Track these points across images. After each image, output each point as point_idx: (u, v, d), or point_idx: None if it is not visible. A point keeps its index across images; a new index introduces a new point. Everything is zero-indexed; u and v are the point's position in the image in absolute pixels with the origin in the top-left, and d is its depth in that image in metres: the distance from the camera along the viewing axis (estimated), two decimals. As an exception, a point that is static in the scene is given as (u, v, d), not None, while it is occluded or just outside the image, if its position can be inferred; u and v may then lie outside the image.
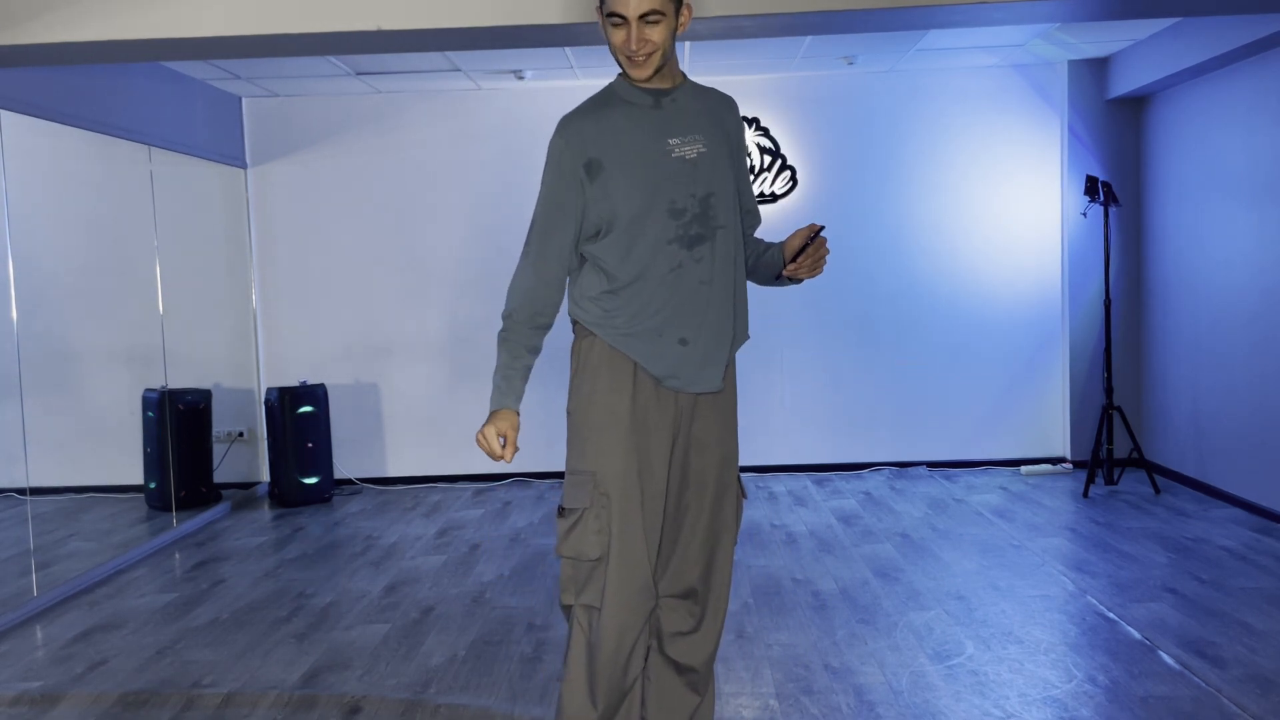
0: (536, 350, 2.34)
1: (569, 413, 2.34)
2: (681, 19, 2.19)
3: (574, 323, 2.34)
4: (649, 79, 2.21)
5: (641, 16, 2.11)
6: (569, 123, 2.28)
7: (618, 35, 2.16)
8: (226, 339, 6.26)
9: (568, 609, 2.29)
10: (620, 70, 2.25)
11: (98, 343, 5.46)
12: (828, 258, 2.25)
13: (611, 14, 2.14)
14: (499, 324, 2.34)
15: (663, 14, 2.13)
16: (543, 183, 2.32)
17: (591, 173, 2.24)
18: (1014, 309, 6.33)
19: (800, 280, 2.28)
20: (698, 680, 2.38)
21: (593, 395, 2.27)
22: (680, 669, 2.36)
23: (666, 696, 2.37)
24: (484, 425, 2.31)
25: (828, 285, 6.35)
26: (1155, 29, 5.35)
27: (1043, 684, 3.09)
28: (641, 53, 2.15)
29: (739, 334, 2.34)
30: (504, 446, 2.31)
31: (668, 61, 2.23)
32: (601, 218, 2.24)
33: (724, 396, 2.34)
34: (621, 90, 2.27)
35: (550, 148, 2.31)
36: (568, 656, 2.29)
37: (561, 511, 2.28)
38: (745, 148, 2.42)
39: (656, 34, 2.14)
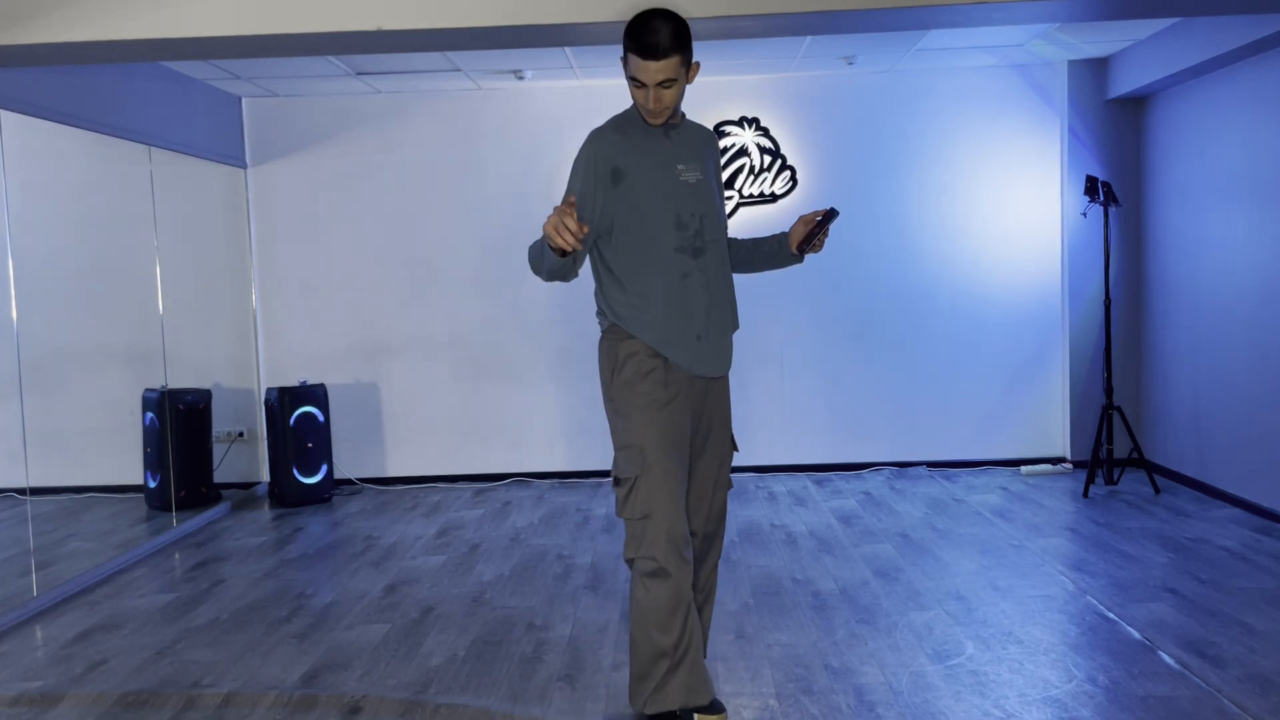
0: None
1: (611, 399, 2.79)
2: (690, 76, 2.65)
3: (608, 326, 2.80)
4: (663, 121, 2.71)
5: (659, 83, 2.58)
6: (600, 135, 2.72)
7: (638, 94, 2.61)
8: (226, 339, 6.26)
9: (630, 562, 2.73)
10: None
11: (98, 343, 5.46)
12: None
13: (633, 78, 2.59)
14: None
15: (675, 79, 2.59)
16: (573, 178, 2.71)
17: (615, 179, 2.68)
18: (1014, 309, 6.33)
19: (802, 257, 2.88)
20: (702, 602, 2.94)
21: (632, 383, 2.73)
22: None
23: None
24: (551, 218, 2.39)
25: (828, 285, 6.36)
26: (1155, 29, 5.35)
27: (1043, 684, 3.09)
28: (658, 110, 2.64)
29: (733, 326, 2.86)
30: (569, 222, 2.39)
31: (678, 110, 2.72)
32: (619, 218, 2.69)
33: (726, 376, 2.90)
34: (636, 117, 2.74)
35: (581, 153, 2.71)
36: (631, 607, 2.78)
37: (617, 481, 2.74)
38: (721, 174, 2.96)
39: (670, 96, 2.62)
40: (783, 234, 2.93)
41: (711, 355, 2.78)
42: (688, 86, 2.70)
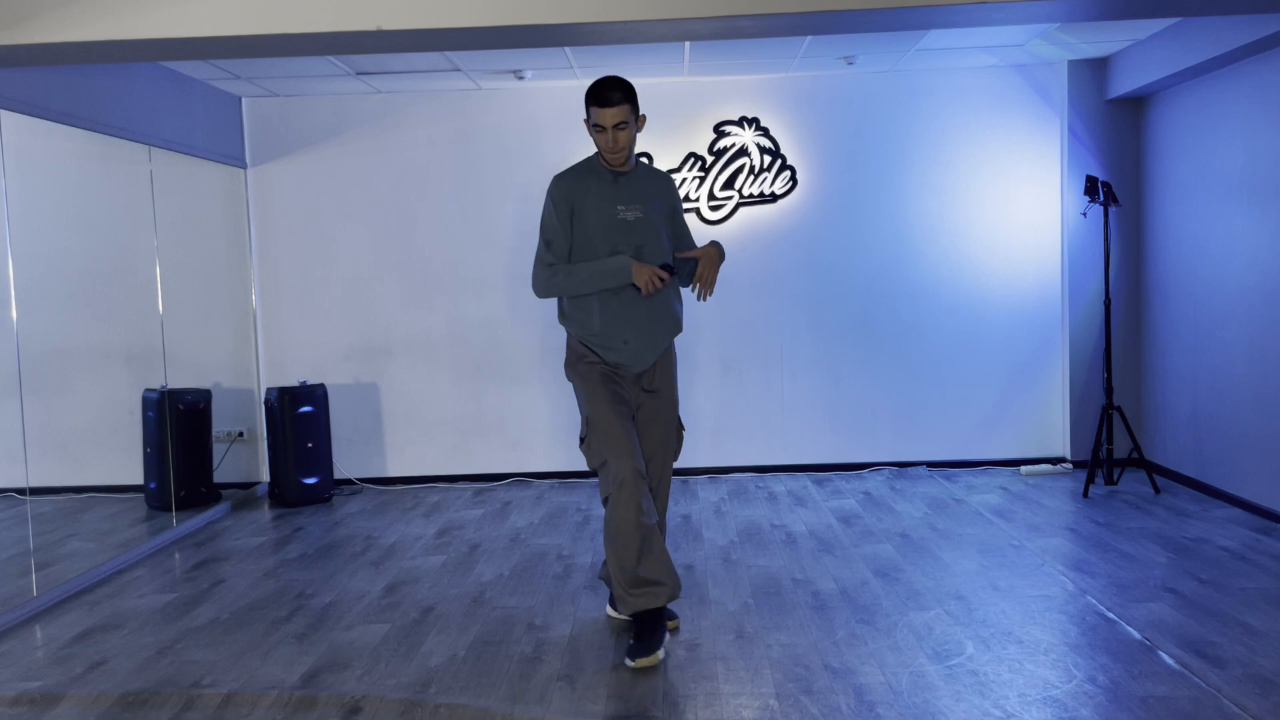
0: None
1: (569, 379, 3.58)
2: (639, 125, 3.40)
3: (569, 329, 3.58)
4: (621, 165, 3.43)
5: (615, 125, 3.32)
6: (560, 179, 3.48)
7: (600, 138, 3.35)
8: (226, 339, 6.26)
9: (605, 499, 3.41)
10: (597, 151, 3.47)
11: (98, 343, 5.46)
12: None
13: (595, 124, 3.34)
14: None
15: (628, 122, 3.34)
16: (545, 213, 3.48)
17: (573, 215, 3.43)
18: (1014, 309, 6.33)
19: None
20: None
21: (581, 368, 3.51)
22: None
23: None
24: (640, 275, 3.35)
25: (828, 285, 6.36)
26: (1155, 29, 5.35)
27: (1043, 684, 3.09)
28: (616, 150, 3.36)
29: (669, 331, 3.55)
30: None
31: (631, 153, 3.44)
32: (573, 247, 3.44)
33: (662, 366, 3.55)
34: (596, 165, 3.48)
35: (548, 196, 3.48)
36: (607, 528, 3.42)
37: (581, 440, 3.50)
38: (680, 207, 3.66)
39: (624, 137, 3.35)
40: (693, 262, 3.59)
41: (636, 355, 3.47)
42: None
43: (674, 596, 3.41)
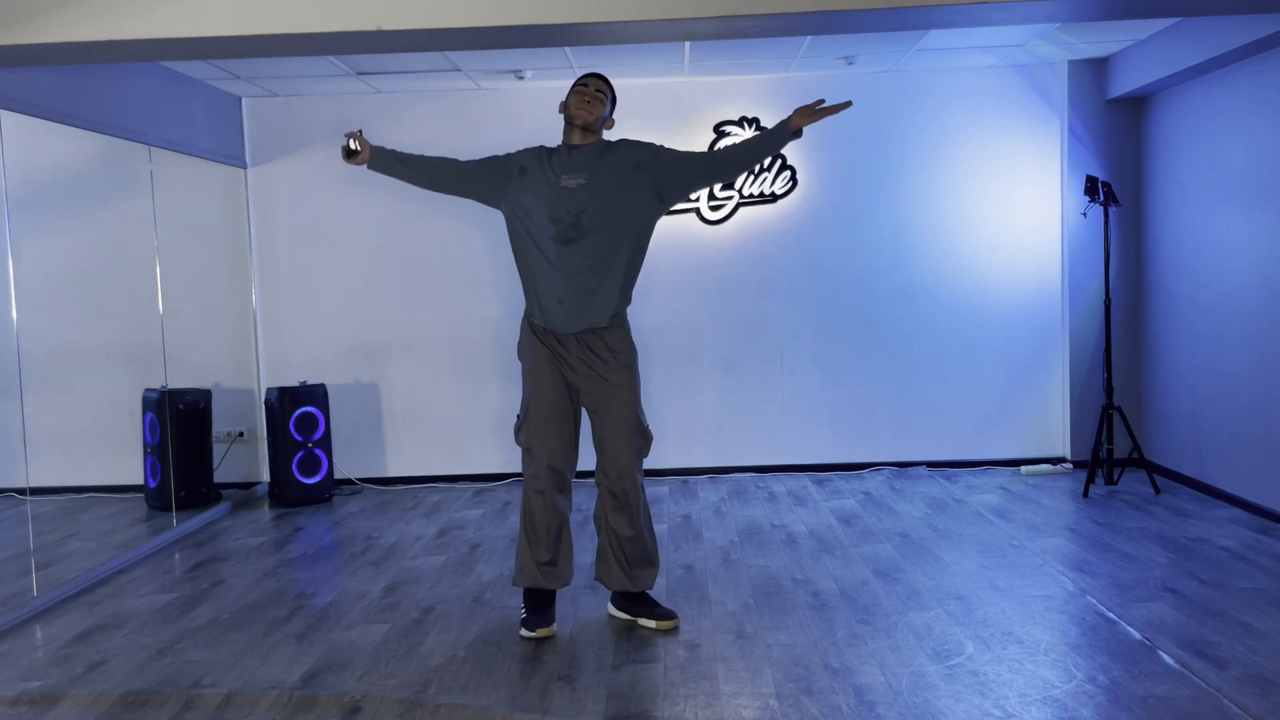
0: (412, 162, 3.80)
1: (520, 360, 3.71)
2: (609, 118, 3.62)
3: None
4: (581, 132, 3.56)
5: (595, 90, 3.56)
6: (530, 148, 3.69)
7: (576, 98, 3.54)
8: (226, 339, 6.26)
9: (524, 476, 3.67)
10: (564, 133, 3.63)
11: (98, 343, 5.46)
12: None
13: (578, 88, 3.55)
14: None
15: (603, 98, 3.57)
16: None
17: (521, 174, 3.61)
18: (1014, 309, 6.33)
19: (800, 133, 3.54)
20: (638, 548, 3.70)
21: (531, 353, 3.64)
22: (620, 540, 3.69)
23: (611, 561, 3.71)
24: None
25: (827, 285, 6.36)
26: (1155, 29, 5.35)
27: (1043, 684, 3.09)
28: (582, 107, 3.52)
29: (608, 295, 3.55)
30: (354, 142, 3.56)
31: (594, 128, 3.57)
32: (513, 207, 3.61)
33: (609, 340, 3.58)
34: (561, 144, 3.62)
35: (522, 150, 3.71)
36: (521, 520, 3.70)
37: (517, 420, 3.68)
38: (650, 152, 3.61)
39: (597, 108, 3.55)
40: (782, 121, 3.58)
41: (572, 315, 3.53)
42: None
43: (566, 584, 3.74)
